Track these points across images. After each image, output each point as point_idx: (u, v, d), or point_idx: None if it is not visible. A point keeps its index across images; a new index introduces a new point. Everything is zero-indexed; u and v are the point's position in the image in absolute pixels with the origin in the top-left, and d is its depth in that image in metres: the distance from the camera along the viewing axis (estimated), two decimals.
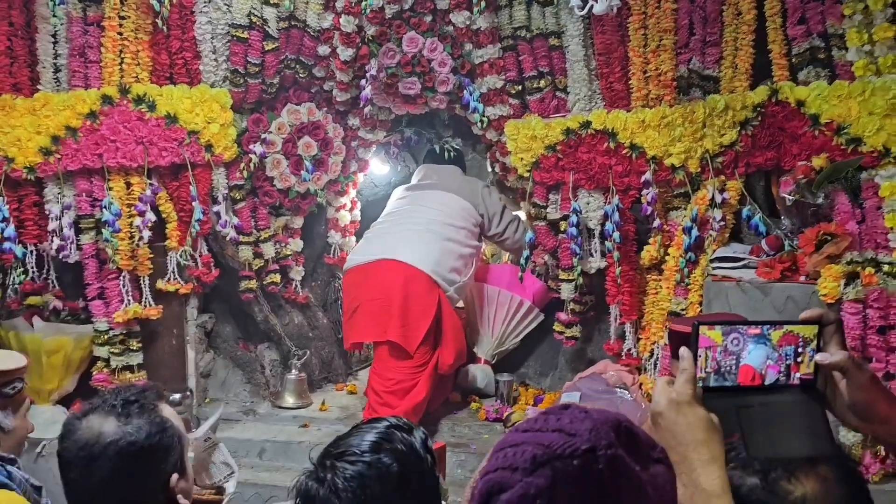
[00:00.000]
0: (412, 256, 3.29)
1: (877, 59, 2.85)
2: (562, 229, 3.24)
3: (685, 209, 3.06)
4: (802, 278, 2.71)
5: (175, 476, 1.37)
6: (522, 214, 4.14)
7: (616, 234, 3.04)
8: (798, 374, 0.97)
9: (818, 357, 0.98)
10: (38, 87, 3.17)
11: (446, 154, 3.87)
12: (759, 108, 2.96)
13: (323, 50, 3.31)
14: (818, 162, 2.83)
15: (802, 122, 2.90)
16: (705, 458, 0.91)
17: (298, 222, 3.67)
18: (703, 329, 0.95)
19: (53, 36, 3.17)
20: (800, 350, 0.97)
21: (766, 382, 0.97)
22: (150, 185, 3.15)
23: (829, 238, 2.67)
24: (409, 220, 3.51)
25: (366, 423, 1.38)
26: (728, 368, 0.97)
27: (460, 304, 3.84)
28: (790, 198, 2.85)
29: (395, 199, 3.77)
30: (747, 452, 0.97)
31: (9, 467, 1.51)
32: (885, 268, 2.63)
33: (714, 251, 2.93)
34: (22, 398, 1.71)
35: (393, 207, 3.70)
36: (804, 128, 2.90)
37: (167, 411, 1.43)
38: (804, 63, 2.97)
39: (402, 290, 3.21)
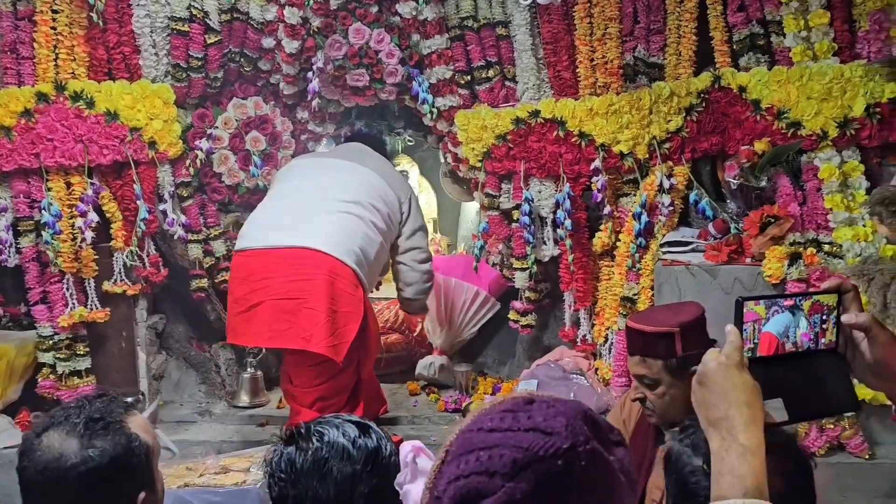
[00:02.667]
0: (333, 245, 2.73)
1: (813, 45, 2.94)
2: (514, 218, 3.26)
3: (635, 195, 3.11)
4: (748, 260, 2.79)
5: (142, 494, 1.31)
6: (476, 204, 4.16)
7: (568, 222, 3.07)
8: (823, 340, 1.05)
9: (844, 318, 1.05)
10: None
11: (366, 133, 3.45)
12: (703, 95, 3.02)
13: (267, 42, 3.25)
14: (760, 146, 2.90)
15: (745, 107, 2.98)
16: (747, 418, 0.94)
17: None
18: (748, 304, 1.01)
19: None
20: (824, 318, 1.05)
21: (800, 349, 1.04)
22: (92, 184, 3.05)
23: (773, 220, 2.74)
24: (321, 198, 2.88)
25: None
26: None
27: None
28: (735, 182, 2.92)
29: (294, 170, 3.12)
30: (789, 415, 1.04)
31: None
32: (826, 247, 2.73)
33: (664, 236, 2.99)
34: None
35: (295, 180, 3.03)
36: (746, 113, 2.97)
37: (135, 424, 1.34)
38: (745, 49, 3.04)
39: (327, 289, 2.67)
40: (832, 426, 2.67)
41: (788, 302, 1.03)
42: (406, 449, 1.37)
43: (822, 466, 2.62)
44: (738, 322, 1.01)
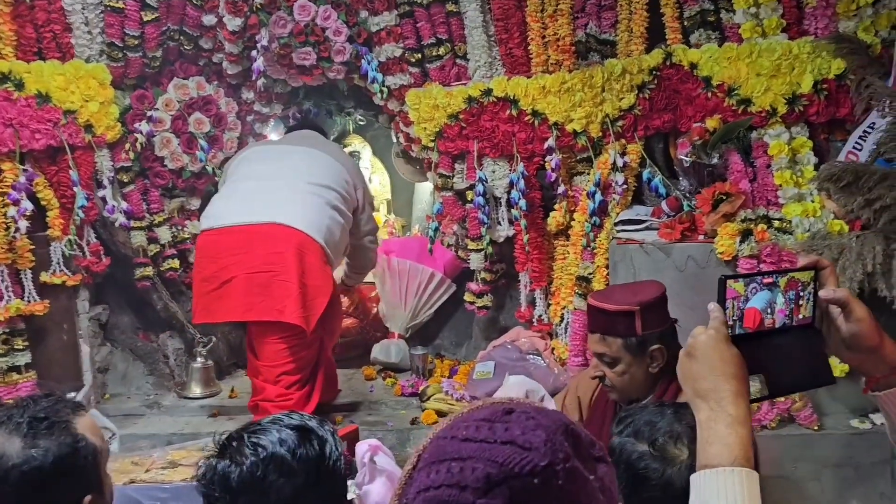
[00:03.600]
0: (303, 222, 2.79)
1: (762, 22, 2.94)
2: (469, 199, 3.21)
3: (588, 174, 3.09)
4: (701, 237, 2.80)
5: (89, 497, 1.27)
6: (430, 185, 4.11)
7: (523, 202, 3.04)
8: (799, 316, 1.08)
9: (822, 293, 1.07)
10: None
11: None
12: (654, 72, 3.00)
13: (208, 20, 3.11)
14: (711, 123, 2.91)
15: (696, 84, 2.97)
16: (735, 389, 0.97)
17: (195, 203, 3.48)
18: (729, 282, 1.03)
19: None
20: (800, 294, 1.07)
21: (777, 325, 1.06)
22: (25, 170, 2.89)
23: (725, 197, 2.75)
24: (286, 180, 2.92)
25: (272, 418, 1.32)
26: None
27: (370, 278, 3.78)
28: (687, 159, 2.92)
29: (252, 156, 3.10)
30: (769, 390, 1.06)
31: None
32: (776, 223, 2.75)
33: (618, 214, 2.98)
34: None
35: (255, 164, 3.03)
36: (698, 90, 2.97)
37: (83, 425, 1.30)
38: (695, 26, 3.03)
39: (297, 262, 2.73)
40: (782, 399, 2.71)
41: (768, 280, 1.06)
42: (363, 449, 1.33)
43: (774, 438, 2.70)
44: (721, 300, 1.04)
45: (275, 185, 2.89)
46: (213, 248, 2.82)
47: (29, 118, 2.89)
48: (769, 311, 1.05)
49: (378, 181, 4.67)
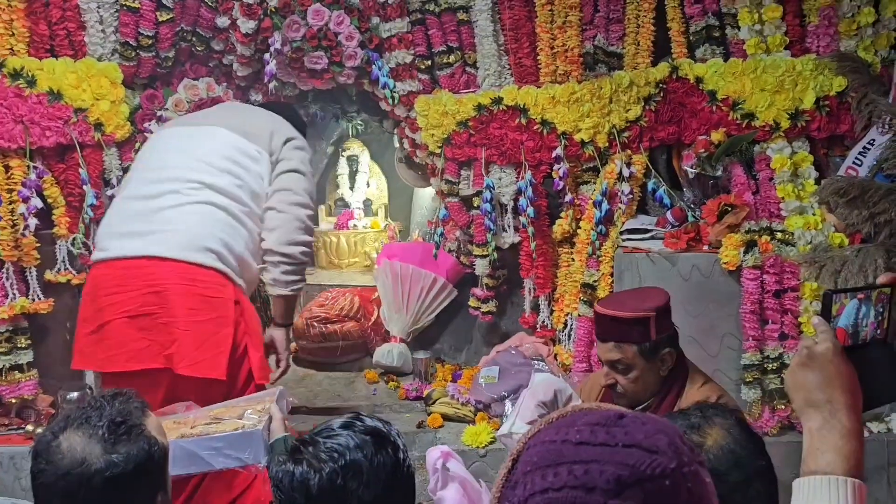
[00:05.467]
0: (187, 248, 2.34)
1: (766, 38, 3.04)
2: (475, 205, 3.25)
3: (594, 183, 3.15)
4: (706, 247, 2.87)
5: (160, 496, 1.30)
6: (430, 190, 4.14)
7: (530, 210, 3.08)
8: (879, 330, 1.11)
9: None
10: None
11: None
12: (661, 85, 3.08)
13: (222, 22, 3.12)
14: (716, 136, 2.98)
15: (701, 97, 3.05)
16: (849, 402, 0.99)
17: None
18: (835, 296, 1.06)
19: None
20: (882, 308, 1.10)
21: (868, 339, 1.09)
22: (35, 168, 2.88)
23: (729, 209, 2.83)
24: (172, 187, 2.44)
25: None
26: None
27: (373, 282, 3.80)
28: (692, 171, 3.00)
29: (151, 146, 2.67)
30: (866, 403, 1.07)
31: None
32: (779, 235, 2.83)
33: (623, 224, 3.04)
34: None
35: (149, 161, 2.58)
36: (703, 103, 3.05)
37: (151, 425, 1.32)
38: (701, 41, 3.11)
39: (183, 299, 2.30)
40: (783, 406, 2.79)
41: (861, 295, 1.08)
42: (434, 455, 1.35)
43: (774, 445, 2.75)
44: (826, 313, 1.06)
45: (156, 203, 2.42)
46: (91, 285, 2.44)
47: (40, 115, 2.87)
48: (862, 324, 1.08)
49: (375, 185, 4.70)
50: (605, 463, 0.71)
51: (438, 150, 3.25)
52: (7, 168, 2.90)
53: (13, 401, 2.91)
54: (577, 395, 1.81)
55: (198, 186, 2.43)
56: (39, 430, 2.83)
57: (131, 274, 2.34)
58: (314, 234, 2.65)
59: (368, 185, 4.65)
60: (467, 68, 3.26)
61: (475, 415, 2.96)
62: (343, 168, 4.61)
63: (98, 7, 2.95)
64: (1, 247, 2.85)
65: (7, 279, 2.91)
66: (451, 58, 3.23)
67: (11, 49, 2.87)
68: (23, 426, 2.89)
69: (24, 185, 2.83)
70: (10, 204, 2.87)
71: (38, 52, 2.93)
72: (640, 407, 2.04)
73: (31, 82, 2.85)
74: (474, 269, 3.41)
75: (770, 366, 2.77)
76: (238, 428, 1.73)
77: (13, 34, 2.87)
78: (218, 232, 2.40)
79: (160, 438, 1.32)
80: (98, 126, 2.98)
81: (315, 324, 3.66)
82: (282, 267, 2.52)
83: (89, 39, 2.97)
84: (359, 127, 4.36)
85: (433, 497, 1.32)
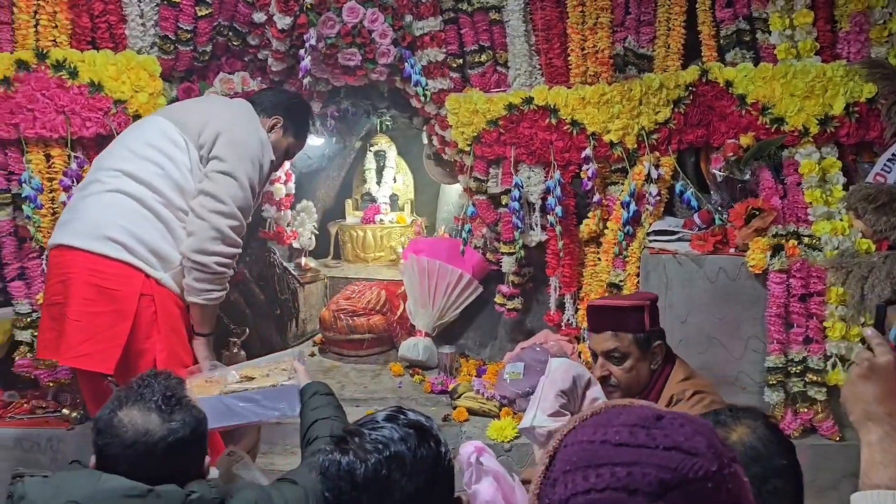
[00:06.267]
0: (93, 238, 2.31)
1: (797, 44, 3.05)
2: (503, 203, 3.29)
3: (622, 184, 3.18)
4: (732, 250, 2.89)
5: (207, 458, 1.45)
6: (457, 187, 4.18)
7: (559, 209, 3.12)
8: None
9: None
10: None
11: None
12: (690, 88, 3.10)
13: (258, 17, 3.18)
14: (746, 140, 3.00)
15: (730, 101, 3.07)
16: None
17: None
18: (890, 308, 1.09)
19: None
20: None
21: None
22: (76, 157, 2.95)
23: (757, 212, 2.85)
24: (99, 176, 2.44)
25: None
26: None
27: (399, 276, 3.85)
28: (720, 174, 3.02)
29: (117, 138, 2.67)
30: None
31: None
32: (806, 240, 2.85)
33: (650, 225, 3.07)
34: None
35: (105, 151, 2.61)
36: (732, 107, 3.06)
37: (192, 396, 1.47)
38: (731, 45, 3.13)
39: (81, 290, 2.27)
40: (805, 409, 2.81)
41: None
42: (468, 450, 1.39)
43: (798, 448, 2.79)
44: (880, 325, 1.08)
45: (81, 193, 2.46)
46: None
47: (81, 106, 2.94)
48: None
49: (402, 181, 4.74)
50: (647, 465, 0.71)
51: (468, 148, 3.29)
52: (48, 157, 2.97)
53: (50, 384, 2.99)
54: (595, 381, 1.86)
55: (115, 174, 2.38)
56: (75, 414, 2.92)
57: (52, 263, 2.41)
58: (237, 245, 2.45)
59: (395, 180, 4.69)
60: (498, 67, 3.29)
61: (500, 410, 3.01)
62: (370, 163, 4.66)
63: (139, 1, 3.02)
64: (41, 234, 2.92)
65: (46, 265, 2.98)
66: (483, 57, 3.26)
67: (54, 40, 2.94)
68: (59, 409, 2.97)
69: (65, 174, 2.90)
70: (50, 192, 2.95)
71: (79, 44, 3.00)
72: None
73: (73, 73, 2.92)
74: (500, 266, 3.46)
75: (794, 369, 2.79)
76: (275, 384, 1.89)
77: (56, 26, 2.94)
78: (122, 221, 2.32)
79: (202, 409, 1.46)
80: (136, 117, 3.03)
81: (342, 316, 3.73)
82: (194, 273, 2.38)
83: (130, 32, 3.04)
84: (388, 123, 4.39)
85: (468, 490, 1.37)
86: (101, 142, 3.06)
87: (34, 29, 2.92)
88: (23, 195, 2.87)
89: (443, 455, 1.27)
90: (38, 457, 2.88)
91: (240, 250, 2.49)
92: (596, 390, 1.87)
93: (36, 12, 2.91)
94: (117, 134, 3.00)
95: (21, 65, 2.87)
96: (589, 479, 0.73)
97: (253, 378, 1.99)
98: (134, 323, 2.27)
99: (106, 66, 2.97)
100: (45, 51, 2.90)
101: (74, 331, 2.25)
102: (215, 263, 2.39)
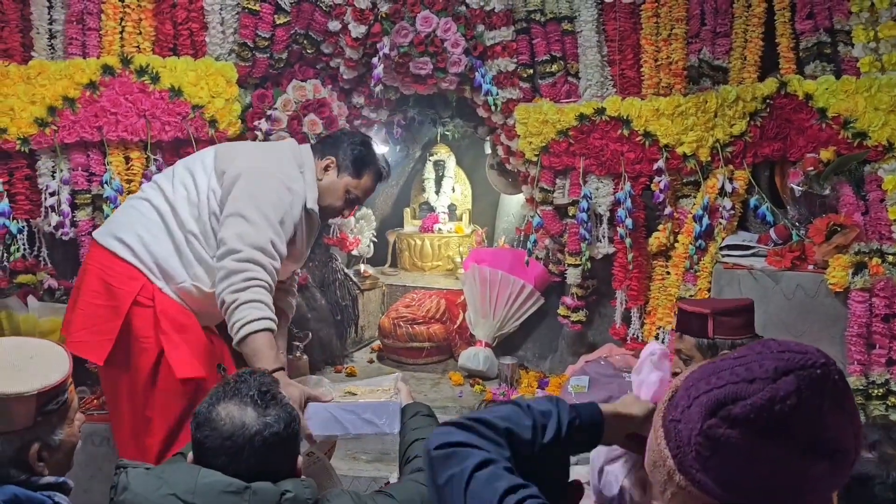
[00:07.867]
0: (109, 236, 2.39)
1: (881, 57, 2.96)
2: (570, 214, 3.26)
3: (694, 197, 3.13)
4: (811, 267, 2.81)
5: (300, 458, 1.45)
6: (518, 197, 4.17)
7: (629, 221, 3.08)
8: None
9: None
10: (31, 53, 2.99)
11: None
12: (768, 100, 3.04)
13: (334, 25, 3.22)
14: (826, 154, 2.92)
15: (809, 115, 3.00)
16: None
17: None
18: None
19: (49, 0, 2.99)
20: None
21: None
22: (155, 160, 3.02)
23: (839, 229, 2.76)
24: (145, 187, 2.56)
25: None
26: None
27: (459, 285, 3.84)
28: (799, 188, 2.94)
29: None
30: None
31: (57, 497, 1.43)
32: (890, 258, 2.75)
33: (723, 239, 3.01)
34: (69, 404, 1.50)
35: None
36: (811, 120, 2.99)
37: (286, 396, 1.50)
38: (811, 57, 3.06)
39: (92, 281, 2.36)
40: None
41: None
42: (654, 347, 1.43)
43: None
44: None
45: (130, 197, 2.60)
46: None
47: (161, 111, 3.01)
48: None
49: (460, 190, 4.75)
50: (764, 360, 0.83)
51: (535, 158, 3.27)
52: (127, 159, 3.05)
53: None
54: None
55: (154, 187, 2.46)
56: None
57: (86, 253, 2.58)
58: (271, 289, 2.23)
59: (453, 189, 4.70)
60: (569, 78, 3.28)
61: None
62: (429, 172, 4.68)
63: (221, 9, 3.09)
64: None
65: None
66: (554, 67, 3.25)
67: (138, 47, 3.03)
68: None
69: (145, 176, 2.97)
70: (128, 194, 3.01)
71: (161, 50, 3.08)
72: None
73: (155, 79, 2.99)
74: (561, 278, 3.43)
75: (875, 391, 2.69)
76: (379, 400, 1.94)
77: (140, 33, 3.02)
78: (138, 227, 2.37)
79: (296, 406, 1.50)
80: (212, 122, 3.10)
81: (402, 324, 3.74)
82: (225, 315, 2.18)
83: (210, 40, 3.11)
84: (456, 133, 4.38)
85: (637, 377, 1.41)
86: (179, 145, 3.14)
87: (120, 35, 3.00)
88: (104, 196, 2.94)
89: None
90: (107, 451, 2.93)
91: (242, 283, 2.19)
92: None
93: (122, 19, 3.00)
94: (194, 138, 3.09)
95: (107, 70, 2.95)
96: (711, 381, 0.85)
97: (356, 394, 2.03)
98: (128, 322, 2.30)
99: (186, 72, 3.04)
100: (129, 56, 2.98)
101: (78, 318, 2.37)
102: (220, 299, 2.20)
